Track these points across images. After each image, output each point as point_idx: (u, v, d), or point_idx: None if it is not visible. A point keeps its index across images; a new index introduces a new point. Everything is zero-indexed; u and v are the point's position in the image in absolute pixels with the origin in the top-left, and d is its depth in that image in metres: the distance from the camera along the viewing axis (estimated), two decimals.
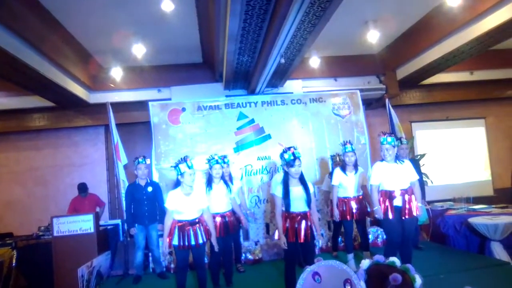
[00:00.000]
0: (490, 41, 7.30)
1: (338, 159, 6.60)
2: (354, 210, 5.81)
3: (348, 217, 5.86)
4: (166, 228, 4.61)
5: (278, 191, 4.46)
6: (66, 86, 7.80)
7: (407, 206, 4.85)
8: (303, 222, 4.40)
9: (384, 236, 6.63)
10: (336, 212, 5.86)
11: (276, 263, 6.33)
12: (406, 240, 4.90)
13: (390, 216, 4.87)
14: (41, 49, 6.63)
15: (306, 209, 4.46)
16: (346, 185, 5.87)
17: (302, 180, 4.52)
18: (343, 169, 5.93)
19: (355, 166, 5.93)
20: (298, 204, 4.43)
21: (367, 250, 6.03)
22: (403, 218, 4.85)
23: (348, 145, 5.92)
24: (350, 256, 5.95)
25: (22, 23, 6.00)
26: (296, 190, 4.45)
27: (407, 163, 5.04)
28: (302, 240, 4.37)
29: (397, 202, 4.88)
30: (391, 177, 4.92)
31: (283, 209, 4.46)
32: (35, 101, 8.96)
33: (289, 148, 4.46)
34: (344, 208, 5.88)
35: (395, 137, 5.04)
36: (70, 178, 9.68)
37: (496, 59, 9.91)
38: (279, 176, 4.63)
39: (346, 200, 5.89)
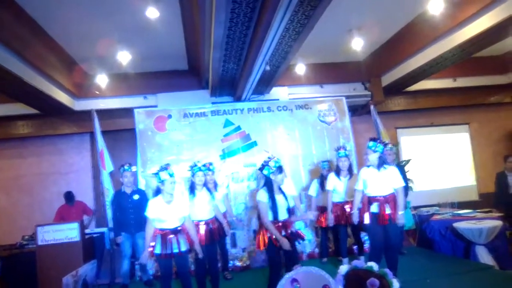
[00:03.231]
0: (472, 48, 7.41)
1: (331, 166, 6.63)
2: (347, 215, 5.92)
3: (342, 221, 5.95)
4: (147, 237, 4.54)
5: (263, 197, 4.52)
6: (50, 93, 7.72)
7: (382, 213, 4.88)
8: (286, 230, 4.52)
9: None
10: (331, 217, 5.94)
11: (264, 270, 6.25)
12: (391, 246, 4.93)
13: (367, 221, 4.95)
14: (25, 57, 6.56)
15: (287, 216, 4.58)
16: (339, 190, 5.98)
17: (280, 188, 4.65)
18: (337, 174, 6.01)
19: (349, 171, 6.01)
20: (281, 212, 4.52)
21: (361, 255, 6.12)
22: (381, 224, 4.89)
23: (342, 150, 6.07)
24: (345, 260, 6.01)
25: (6, 30, 5.95)
26: (280, 199, 4.55)
27: (392, 170, 5.05)
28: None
29: (374, 208, 4.94)
30: (373, 182, 4.98)
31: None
32: (19, 109, 8.85)
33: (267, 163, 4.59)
34: (338, 213, 5.97)
35: (380, 142, 5.09)
36: (55, 186, 9.57)
37: (478, 66, 10.09)
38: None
39: (340, 205, 5.98)
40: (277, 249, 4.44)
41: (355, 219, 5.17)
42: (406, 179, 6.87)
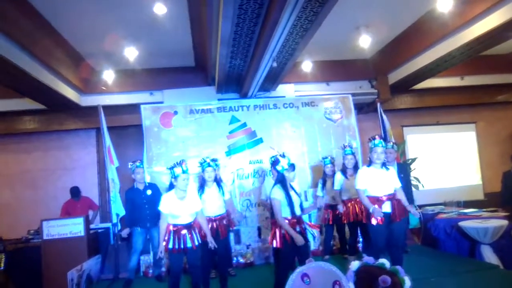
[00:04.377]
0: (480, 46, 7.36)
1: (332, 162, 6.56)
2: (357, 213, 5.89)
3: (351, 218, 5.93)
4: (161, 232, 4.55)
5: (279, 195, 4.46)
6: (57, 88, 7.75)
7: (396, 211, 4.82)
8: (300, 226, 4.49)
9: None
10: (343, 211, 5.96)
11: (268, 267, 6.32)
12: (396, 243, 4.88)
13: (380, 221, 4.83)
14: (32, 52, 6.58)
15: (300, 212, 4.56)
16: (347, 188, 5.96)
17: (291, 185, 4.64)
18: (344, 172, 6.00)
19: (355, 169, 5.99)
20: (296, 208, 4.51)
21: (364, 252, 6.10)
22: (395, 221, 4.82)
23: (348, 148, 6.10)
24: (352, 258, 5.97)
25: (13, 25, 5.96)
26: (292, 195, 4.54)
27: (392, 170, 5.02)
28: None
29: (386, 208, 4.83)
30: (377, 182, 4.87)
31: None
32: (25, 104, 8.88)
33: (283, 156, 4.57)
34: (347, 211, 5.95)
35: (385, 141, 5.05)
36: (60, 182, 9.60)
37: (486, 64, 10.00)
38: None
39: (347, 202, 5.98)
40: (291, 246, 4.39)
41: (379, 214, 4.73)
42: (409, 178, 6.84)
